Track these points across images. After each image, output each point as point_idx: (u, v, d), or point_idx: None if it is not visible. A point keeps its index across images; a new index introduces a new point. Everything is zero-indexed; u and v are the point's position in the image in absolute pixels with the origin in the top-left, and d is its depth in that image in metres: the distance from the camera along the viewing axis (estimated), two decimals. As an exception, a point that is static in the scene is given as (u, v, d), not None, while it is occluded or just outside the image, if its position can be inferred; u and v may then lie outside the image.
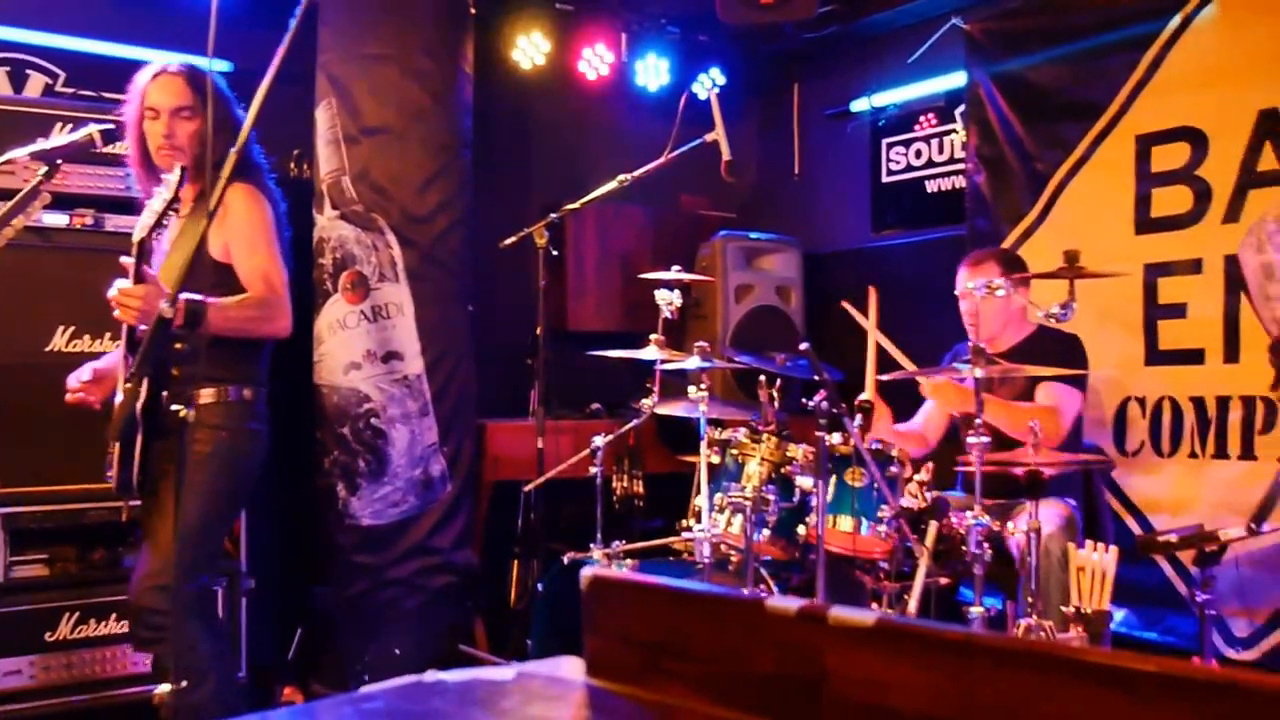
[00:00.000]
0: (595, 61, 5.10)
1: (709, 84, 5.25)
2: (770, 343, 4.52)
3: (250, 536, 3.70)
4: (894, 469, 3.25)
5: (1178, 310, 3.89)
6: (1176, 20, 3.89)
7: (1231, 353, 3.74)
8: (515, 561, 4.43)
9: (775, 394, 3.87)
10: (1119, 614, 3.97)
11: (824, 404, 2.89)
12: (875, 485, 3.16)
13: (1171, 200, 3.91)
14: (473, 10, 4.27)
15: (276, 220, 3.02)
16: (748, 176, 5.71)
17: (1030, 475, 3.10)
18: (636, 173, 3.88)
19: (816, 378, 2.95)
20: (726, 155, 3.82)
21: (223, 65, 4.12)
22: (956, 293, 3.59)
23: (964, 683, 0.86)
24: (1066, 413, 3.52)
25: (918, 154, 5.03)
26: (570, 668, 1.12)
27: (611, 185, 3.90)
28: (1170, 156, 3.92)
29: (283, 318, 2.94)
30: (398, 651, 3.96)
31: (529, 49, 4.92)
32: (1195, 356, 3.84)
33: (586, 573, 1.13)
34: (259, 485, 3.09)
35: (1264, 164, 3.66)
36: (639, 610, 1.11)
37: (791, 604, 1.01)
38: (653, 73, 5.19)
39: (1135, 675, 0.78)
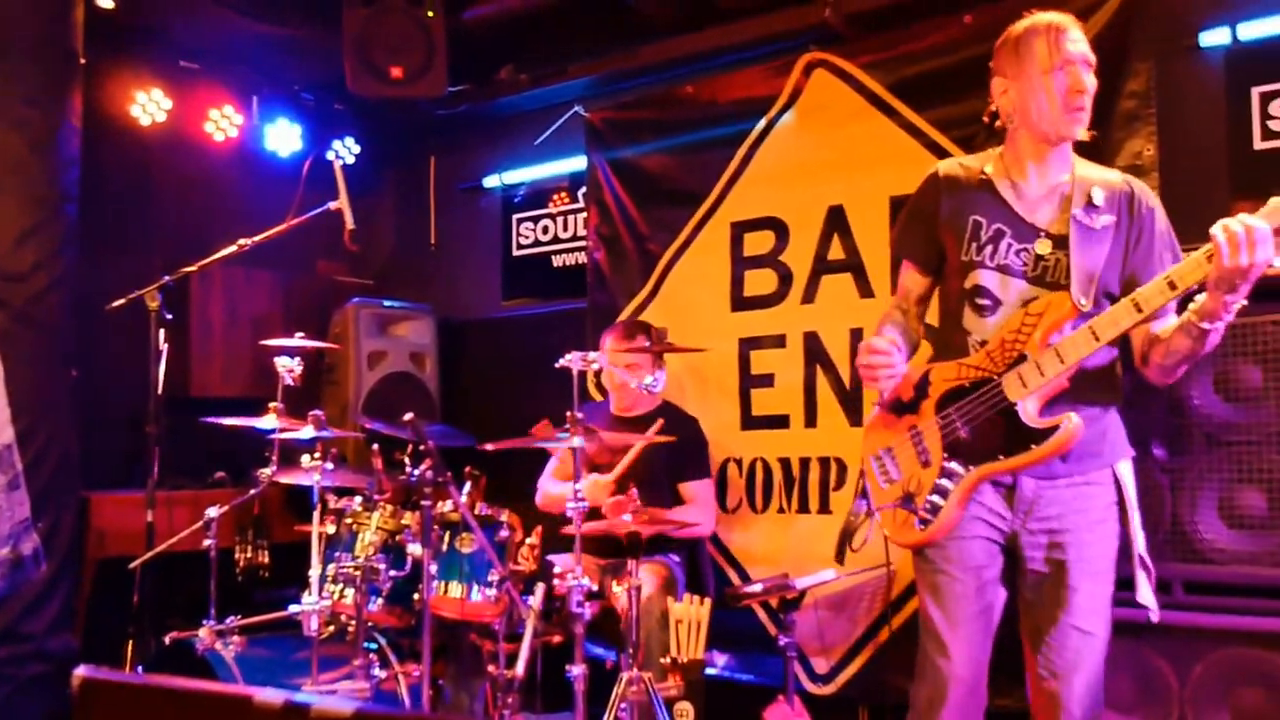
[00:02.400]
0: (223, 123, 4.99)
1: (343, 152, 5.27)
2: (404, 410, 4.55)
3: None
4: (504, 534, 3.39)
5: (767, 380, 4.32)
6: (763, 122, 4.38)
7: (810, 418, 4.20)
8: (130, 643, 4.16)
9: (408, 460, 3.92)
10: (721, 659, 4.30)
11: (429, 473, 2.98)
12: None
13: (760, 282, 4.36)
14: (82, 60, 4.07)
15: None
16: (385, 245, 5.77)
17: (630, 536, 3.33)
18: (257, 238, 3.84)
19: (420, 446, 3.03)
20: (350, 224, 3.87)
21: None
22: (606, 363, 3.84)
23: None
24: (711, 504, 4.04)
25: (545, 230, 5.29)
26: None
27: (230, 249, 3.84)
28: (759, 243, 4.37)
29: None
30: (-26, 753, 3.59)
31: (149, 105, 4.73)
32: (782, 421, 4.27)
33: (78, 674, 1.11)
34: None
35: (833, 253, 4.17)
36: (133, 711, 1.10)
37: (278, 698, 1.04)
38: (284, 138, 5.15)
39: None
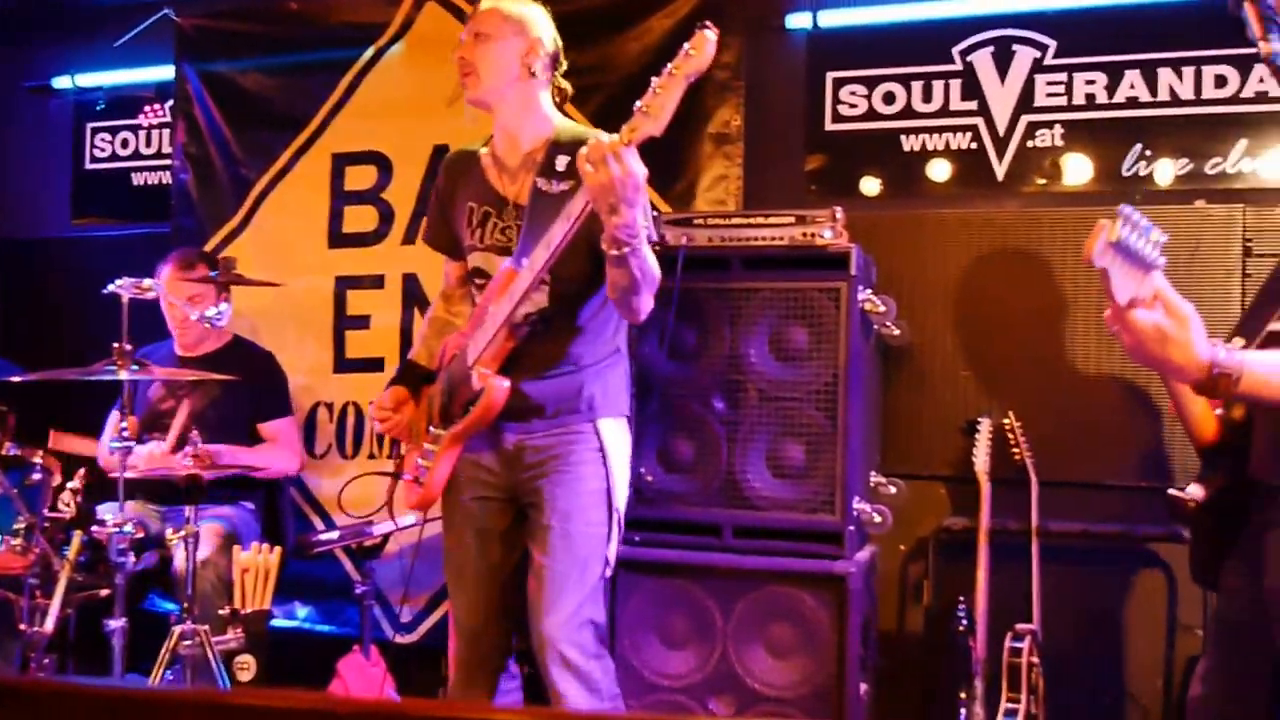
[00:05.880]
0: None
1: None
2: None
3: None
4: (37, 476, 3.03)
5: (363, 321, 4.16)
6: (370, 51, 4.17)
7: (406, 362, 4.09)
8: None
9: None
10: (303, 610, 4.14)
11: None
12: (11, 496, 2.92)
13: (361, 218, 4.17)
14: None
15: None
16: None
17: (189, 480, 3.09)
18: None
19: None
20: None
21: None
22: (164, 294, 3.48)
23: None
24: (296, 441, 3.91)
25: (125, 144, 4.77)
26: None
27: None
28: (361, 177, 4.18)
29: None
30: None
31: None
32: (377, 365, 4.13)
33: None
34: None
35: (437, 194, 4.07)
36: None
37: None
38: None
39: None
